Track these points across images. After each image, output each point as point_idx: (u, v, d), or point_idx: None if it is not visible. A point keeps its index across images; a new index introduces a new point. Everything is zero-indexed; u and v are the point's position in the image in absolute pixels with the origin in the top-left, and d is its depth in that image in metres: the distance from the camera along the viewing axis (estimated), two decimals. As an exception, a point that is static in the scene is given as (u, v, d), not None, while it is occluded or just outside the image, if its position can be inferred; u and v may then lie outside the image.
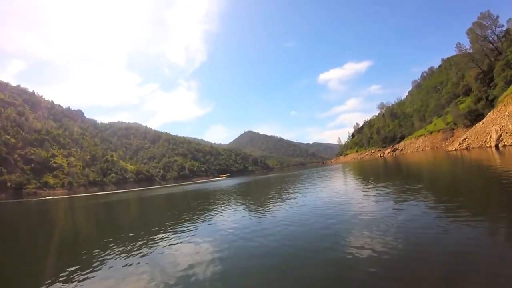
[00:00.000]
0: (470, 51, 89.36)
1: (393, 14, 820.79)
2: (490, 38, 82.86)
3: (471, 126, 59.69)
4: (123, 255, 8.09)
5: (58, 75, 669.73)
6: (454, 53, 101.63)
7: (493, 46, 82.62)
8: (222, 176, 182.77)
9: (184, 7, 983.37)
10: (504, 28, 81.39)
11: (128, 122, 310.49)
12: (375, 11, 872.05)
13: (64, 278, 6.70)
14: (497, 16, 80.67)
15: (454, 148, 49.54)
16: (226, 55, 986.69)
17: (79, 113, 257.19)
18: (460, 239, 5.77)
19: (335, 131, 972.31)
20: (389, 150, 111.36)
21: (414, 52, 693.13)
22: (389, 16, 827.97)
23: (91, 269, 7.07)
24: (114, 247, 9.25)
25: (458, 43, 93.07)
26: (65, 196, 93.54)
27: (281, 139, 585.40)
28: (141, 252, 8.12)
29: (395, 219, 8.04)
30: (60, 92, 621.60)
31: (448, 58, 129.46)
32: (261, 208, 14.20)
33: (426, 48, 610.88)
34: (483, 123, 48.60)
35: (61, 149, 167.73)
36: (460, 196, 11.15)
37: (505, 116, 41.53)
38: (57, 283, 6.41)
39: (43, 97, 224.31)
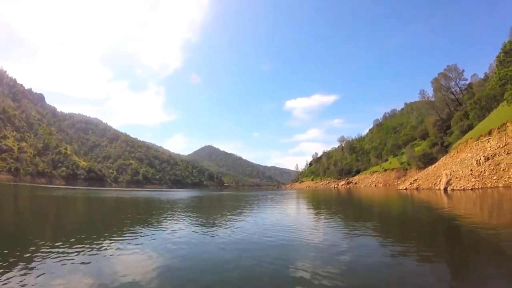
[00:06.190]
0: (432, 99, 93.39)
1: (365, 56, 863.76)
2: (453, 90, 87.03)
3: (423, 168, 60.30)
4: (63, 256, 7.32)
5: (28, 52, 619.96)
6: (417, 99, 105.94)
7: (454, 97, 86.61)
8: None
9: (169, 12, 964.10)
10: (467, 82, 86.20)
11: (89, 116, 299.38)
12: (350, 50, 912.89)
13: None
14: (463, 70, 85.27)
15: (404, 187, 49.35)
16: (201, 66, 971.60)
17: (40, 97, 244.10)
18: (401, 271, 6.12)
19: (294, 157, 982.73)
20: (343, 182, 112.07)
21: (379, 94, 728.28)
22: (362, 57, 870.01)
23: (23, 269, 6.35)
24: (54, 247, 8.31)
25: (422, 91, 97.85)
26: (10, 183, 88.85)
27: (240, 158, 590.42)
28: (82, 256, 7.42)
29: (342, 249, 8.02)
30: (25, 70, 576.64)
31: (411, 103, 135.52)
32: (208, 226, 13.52)
33: (392, 91, 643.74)
34: (435, 167, 49.34)
35: (14, 132, 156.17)
36: (405, 231, 11.70)
37: (457, 162, 41.82)
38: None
39: (7, 73, 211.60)
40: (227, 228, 12.14)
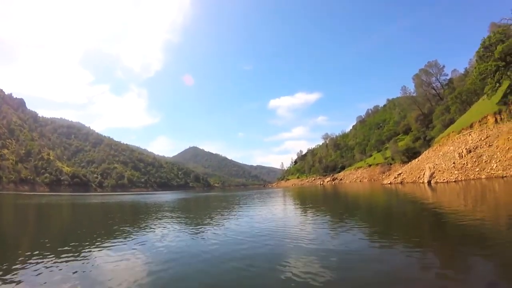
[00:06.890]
0: (414, 94, 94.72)
1: (347, 54, 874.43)
2: (434, 85, 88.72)
3: (407, 162, 60.91)
4: (49, 265, 7.13)
5: (7, 56, 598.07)
6: (399, 95, 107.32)
7: (435, 92, 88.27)
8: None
9: (149, 13, 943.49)
10: (448, 77, 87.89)
11: (71, 121, 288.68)
12: (332, 48, 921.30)
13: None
14: (443, 66, 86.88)
15: (389, 182, 49.60)
16: (182, 68, 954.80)
17: (21, 102, 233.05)
18: (391, 265, 6.12)
19: (279, 156, 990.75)
20: (329, 178, 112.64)
21: (362, 90, 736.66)
22: (344, 54, 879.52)
23: (9, 280, 6.15)
24: (40, 256, 8.10)
25: (404, 86, 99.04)
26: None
27: (225, 158, 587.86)
28: (69, 264, 7.24)
29: (331, 245, 8.24)
30: (4, 75, 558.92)
31: (393, 98, 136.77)
32: (195, 231, 13.11)
33: (375, 87, 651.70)
34: (418, 160, 49.83)
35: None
36: (391, 225, 11.95)
37: (440, 155, 42.36)
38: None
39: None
40: (214, 232, 11.75)
